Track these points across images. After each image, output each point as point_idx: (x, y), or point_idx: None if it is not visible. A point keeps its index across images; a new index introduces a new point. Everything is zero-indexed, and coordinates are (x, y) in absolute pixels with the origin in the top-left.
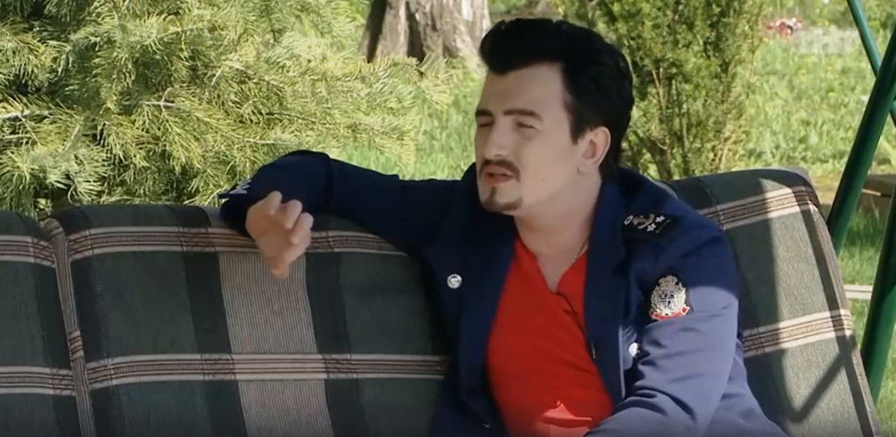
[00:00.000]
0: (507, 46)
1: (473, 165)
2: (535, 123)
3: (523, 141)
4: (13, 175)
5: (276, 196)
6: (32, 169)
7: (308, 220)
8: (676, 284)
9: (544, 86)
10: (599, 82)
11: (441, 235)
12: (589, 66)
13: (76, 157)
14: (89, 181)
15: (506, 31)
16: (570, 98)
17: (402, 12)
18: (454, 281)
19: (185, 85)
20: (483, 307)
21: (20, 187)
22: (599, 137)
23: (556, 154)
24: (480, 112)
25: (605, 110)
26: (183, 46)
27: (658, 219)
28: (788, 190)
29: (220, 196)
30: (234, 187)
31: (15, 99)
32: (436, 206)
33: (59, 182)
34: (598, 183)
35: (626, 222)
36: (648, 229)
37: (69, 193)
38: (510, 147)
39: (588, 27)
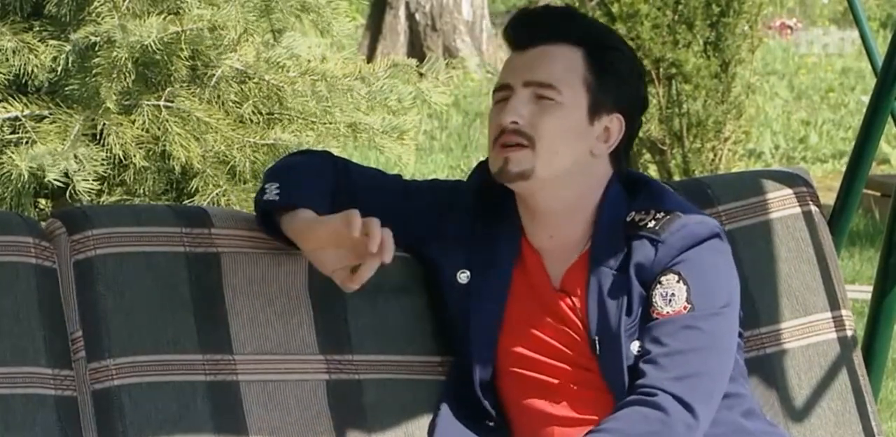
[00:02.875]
0: (532, 25)
1: (479, 165)
2: (554, 96)
3: (540, 112)
4: (13, 175)
5: (355, 216)
6: (31, 167)
7: (389, 235)
8: (678, 281)
9: (566, 62)
10: (619, 69)
11: (445, 233)
12: (609, 52)
13: (75, 156)
14: (88, 180)
15: (532, 12)
16: (590, 78)
17: (402, 12)
18: (463, 276)
19: (185, 85)
20: (491, 304)
21: (20, 187)
22: (614, 124)
23: (571, 129)
24: (499, 88)
25: (622, 97)
26: (183, 46)
27: (658, 215)
28: (789, 190)
29: (256, 203)
30: (262, 192)
31: (15, 99)
32: (439, 205)
33: (57, 181)
34: (608, 175)
35: (627, 219)
36: (649, 225)
37: (68, 193)
38: (527, 117)
39: None
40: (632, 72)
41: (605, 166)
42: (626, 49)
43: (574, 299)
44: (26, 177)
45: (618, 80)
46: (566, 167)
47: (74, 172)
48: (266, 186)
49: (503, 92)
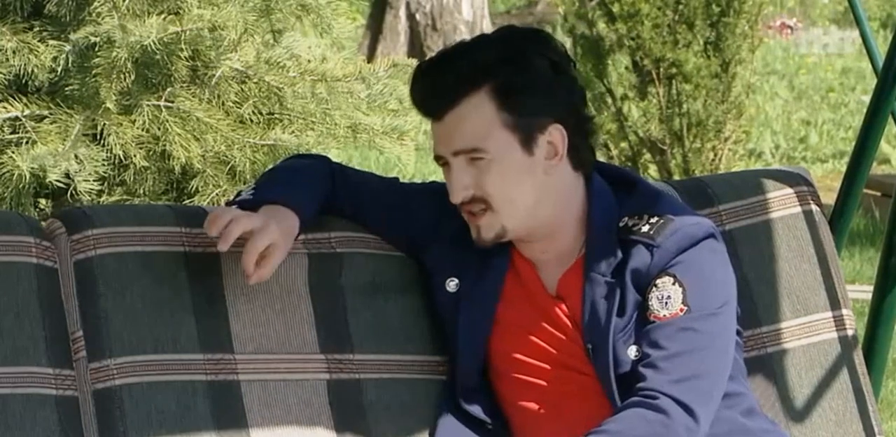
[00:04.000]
0: (431, 91)
1: None
2: (483, 155)
3: (481, 173)
4: (13, 175)
5: (219, 217)
6: (32, 168)
7: (237, 226)
8: (673, 284)
9: (477, 118)
10: (532, 88)
11: (440, 238)
12: (516, 76)
13: (76, 156)
14: (89, 181)
15: (425, 75)
16: (507, 117)
17: (403, 12)
18: (452, 284)
19: (185, 85)
20: (480, 311)
21: (20, 187)
22: (555, 136)
23: (516, 174)
24: (435, 157)
25: (548, 109)
26: (183, 46)
27: (652, 219)
28: (790, 190)
29: (227, 204)
30: (238, 194)
31: (15, 99)
32: (436, 208)
33: (58, 182)
34: (577, 179)
35: (620, 224)
36: (643, 230)
37: (69, 193)
38: (471, 183)
39: (588, 27)
40: (549, 79)
41: (567, 173)
42: (536, 59)
43: (569, 304)
44: (27, 177)
45: (536, 98)
46: (528, 205)
47: (75, 172)
48: (244, 189)
49: (441, 160)
